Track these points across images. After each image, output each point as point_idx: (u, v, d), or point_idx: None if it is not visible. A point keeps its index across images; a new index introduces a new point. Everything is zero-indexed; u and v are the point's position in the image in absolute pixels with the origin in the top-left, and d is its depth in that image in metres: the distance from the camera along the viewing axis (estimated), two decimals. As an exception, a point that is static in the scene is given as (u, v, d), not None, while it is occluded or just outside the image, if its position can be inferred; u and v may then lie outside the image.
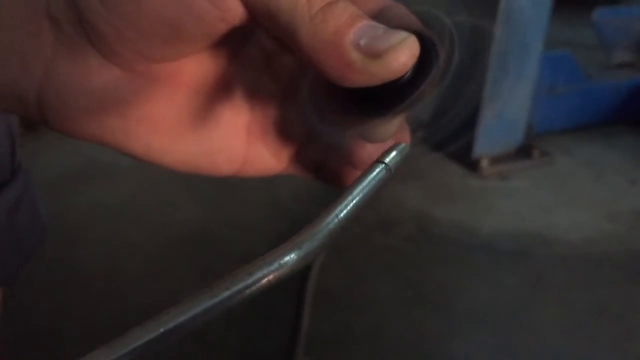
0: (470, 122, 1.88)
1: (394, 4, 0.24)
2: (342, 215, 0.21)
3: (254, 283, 0.19)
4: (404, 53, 0.20)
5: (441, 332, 1.33)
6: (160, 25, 0.21)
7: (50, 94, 0.23)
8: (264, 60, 0.27)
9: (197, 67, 0.25)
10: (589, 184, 1.98)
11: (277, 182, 1.82)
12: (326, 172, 0.28)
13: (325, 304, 1.38)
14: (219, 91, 0.26)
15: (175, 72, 0.24)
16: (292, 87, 0.27)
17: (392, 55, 0.20)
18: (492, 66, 1.79)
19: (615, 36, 2.45)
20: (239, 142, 0.27)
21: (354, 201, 0.21)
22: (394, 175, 0.22)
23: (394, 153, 0.23)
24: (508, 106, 1.98)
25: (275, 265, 0.19)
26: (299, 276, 1.44)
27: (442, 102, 0.28)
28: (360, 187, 0.21)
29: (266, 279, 0.19)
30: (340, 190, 0.22)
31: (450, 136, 0.30)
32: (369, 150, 0.26)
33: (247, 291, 0.19)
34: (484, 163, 1.98)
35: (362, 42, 0.20)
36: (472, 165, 1.99)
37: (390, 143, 0.24)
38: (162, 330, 0.18)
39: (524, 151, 2.07)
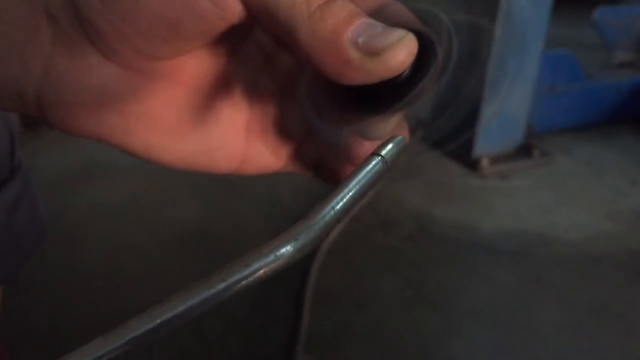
0: (469, 121, 1.88)
1: (392, 2, 0.24)
2: (338, 207, 0.21)
3: (250, 274, 0.19)
4: (402, 51, 0.20)
5: (441, 331, 1.33)
6: (159, 23, 0.21)
7: (50, 91, 0.23)
8: (262, 58, 0.27)
9: (196, 65, 0.25)
10: (589, 184, 1.98)
11: (278, 182, 1.82)
12: (325, 170, 0.28)
13: (325, 303, 1.38)
14: (218, 89, 0.26)
15: (174, 70, 0.24)
16: (291, 85, 0.27)
17: (390, 53, 0.20)
18: (492, 65, 1.79)
19: (616, 35, 2.45)
20: (238, 140, 0.27)
21: (350, 193, 0.21)
22: (391, 168, 0.22)
23: (390, 146, 0.23)
24: (508, 105, 1.98)
25: (272, 257, 0.19)
26: (299, 276, 1.44)
27: (442, 101, 0.28)
28: (357, 179, 0.21)
29: (262, 271, 0.19)
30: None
31: (449, 134, 0.30)
32: (368, 148, 0.26)
33: (243, 282, 0.19)
34: (484, 162, 1.98)
35: (360, 40, 0.20)
36: (472, 165, 2.00)
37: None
38: (158, 321, 0.18)
39: (524, 151, 2.07)
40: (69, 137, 0.25)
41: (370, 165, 0.22)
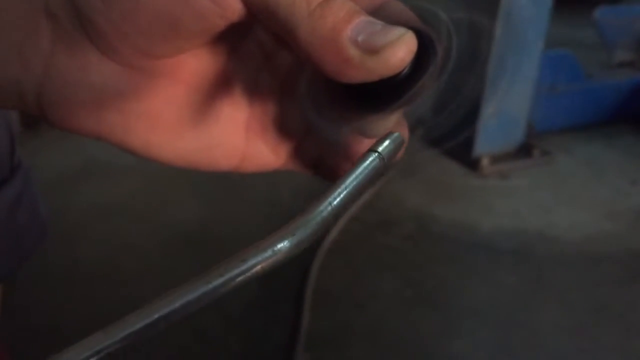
0: (469, 120, 1.88)
1: (392, 0, 0.24)
2: (335, 203, 0.21)
3: (247, 270, 0.19)
4: (401, 49, 0.20)
5: (441, 331, 1.33)
6: (159, 21, 0.21)
7: (50, 89, 0.23)
8: (262, 56, 0.27)
9: (196, 63, 0.25)
10: (589, 184, 1.98)
11: (278, 181, 1.82)
12: (325, 168, 0.28)
13: (325, 303, 1.38)
14: (217, 87, 0.26)
15: (174, 68, 0.24)
16: (291, 83, 0.27)
17: (389, 51, 0.20)
18: (492, 65, 1.79)
19: (616, 35, 2.45)
20: (237, 138, 0.27)
21: (347, 189, 0.21)
22: (388, 164, 0.22)
23: (387, 142, 0.23)
24: (508, 105, 1.99)
25: (269, 252, 0.19)
26: (299, 275, 1.44)
27: (441, 99, 0.28)
28: (354, 175, 0.21)
29: (260, 266, 0.19)
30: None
31: (449, 133, 0.30)
32: (367, 146, 0.26)
33: (241, 278, 0.19)
34: (484, 162, 1.98)
35: (359, 38, 0.20)
36: (472, 164, 2.00)
37: None
38: (156, 316, 0.18)
39: (524, 150, 2.07)
40: (69, 137, 0.25)
41: (367, 162, 0.22)
